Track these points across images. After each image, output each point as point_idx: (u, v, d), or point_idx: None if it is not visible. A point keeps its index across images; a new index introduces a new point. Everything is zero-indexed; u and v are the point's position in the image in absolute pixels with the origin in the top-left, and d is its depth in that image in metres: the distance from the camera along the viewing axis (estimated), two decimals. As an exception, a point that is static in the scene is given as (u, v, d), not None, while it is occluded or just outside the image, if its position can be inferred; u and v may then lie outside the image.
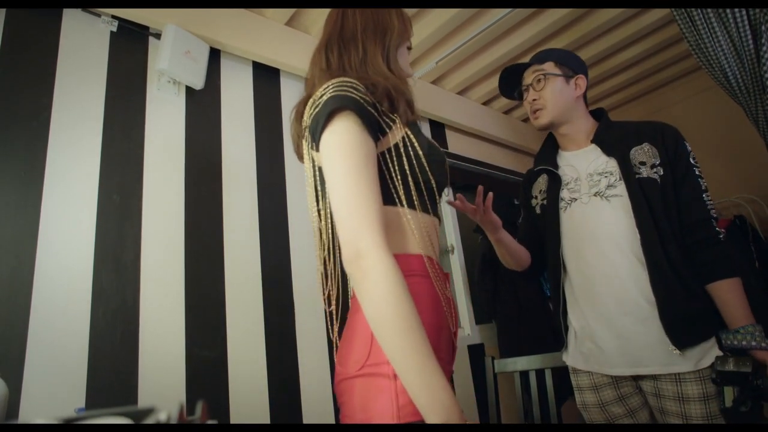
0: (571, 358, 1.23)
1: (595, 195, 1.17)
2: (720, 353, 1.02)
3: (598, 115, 1.30)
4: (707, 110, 2.74)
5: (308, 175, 0.82)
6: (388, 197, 0.75)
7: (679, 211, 1.10)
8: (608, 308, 1.11)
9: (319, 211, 0.81)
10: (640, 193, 1.10)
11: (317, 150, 0.74)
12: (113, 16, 1.47)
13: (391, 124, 0.77)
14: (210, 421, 0.37)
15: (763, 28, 1.30)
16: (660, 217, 1.08)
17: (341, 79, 0.74)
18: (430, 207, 0.80)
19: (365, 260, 0.62)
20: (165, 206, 1.43)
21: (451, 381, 0.78)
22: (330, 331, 0.81)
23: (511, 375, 2.11)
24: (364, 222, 0.64)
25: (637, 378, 1.13)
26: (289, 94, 1.88)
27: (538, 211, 1.32)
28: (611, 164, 1.16)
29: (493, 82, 2.49)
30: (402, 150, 0.76)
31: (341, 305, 0.83)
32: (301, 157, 0.88)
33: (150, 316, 1.30)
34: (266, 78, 1.84)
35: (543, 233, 1.30)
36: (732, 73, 1.41)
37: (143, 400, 1.24)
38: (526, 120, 3.02)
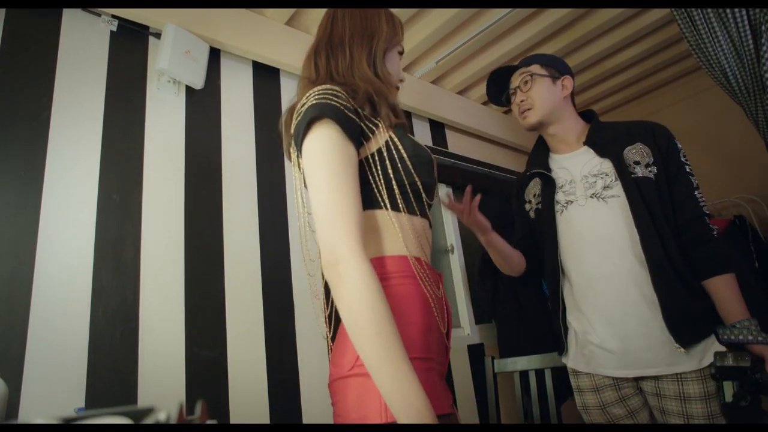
0: (571, 360, 1.22)
1: (591, 196, 1.17)
2: (719, 349, 1.02)
3: (587, 117, 1.31)
4: (708, 110, 2.74)
5: (296, 183, 0.84)
6: (373, 201, 0.76)
7: (673, 210, 1.11)
8: (610, 309, 1.11)
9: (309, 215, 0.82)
10: (637, 193, 1.10)
11: (301, 158, 0.76)
12: (113, 16, 1.47)
13: (374, 128, 0.78)
14: (210, 421, 0.37)
15: (763, 28, 1.30)
16: (657, 216, 1.09)
17: (323, 87, 0.75)
18: (417, 208, 0.80)
19: (342, 266, 0.64)
20: (165, 206, 1.43)
21: (450, 381, 0.78)
22: (326, 334, 0.81)
23: (511, 375, 2.11)
24: (341, 229, 0.66)
25: (638, 378, 1.12)
26: (289, 93, 1.88)
27: (532, 215, 1.31)
28: (606, 165, 1.17)
29: (493, 82, 2.48)
30: (386, 153, 0.77)
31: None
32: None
33: (150, 315, 1.30)
34: (266, 78, 1.84)
35: (539, 237, 1.30)
36: (732, 73, 1.41)
37: (143, 400, 1.24)
38: (526, 120, 3.02)
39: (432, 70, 2.29)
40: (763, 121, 1.43)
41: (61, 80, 1.33)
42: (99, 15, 1.45)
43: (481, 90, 2.60)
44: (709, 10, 1.37)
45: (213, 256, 1.48)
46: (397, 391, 0.60)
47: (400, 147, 0.78)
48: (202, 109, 1.61)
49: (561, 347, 1.26)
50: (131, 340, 1.26)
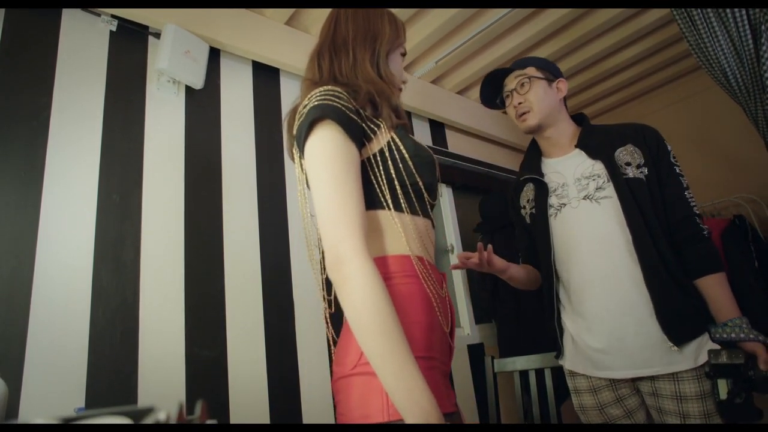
0: (569, 361, 1.23)
1: (584, 198, 1.18)
2: (713, 347, 1.03)
3: (578, 120, 1.31)
4: (707, 109, 2.74)
5: (299, 184, 0.84)
6: (375, 201, 0.77)
7: (665, 210, 1.12)
8: (605, 310, 1.11)
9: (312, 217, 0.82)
10: (629, 194, 1.11)
11: (303, 159, 0.77)
12: (113, 16, 1.47)
13: (376, 129, 0.79)
14: (210, 421, 0.37)
15: (762, 28, 1.30)
16: (649, 216, 1.10)
17: (325, 88, 0.76)
18: (420, 208, 0.81)
19: (346, 266, 0.64)
20: (165, 206, 1.43)
21: (450, 380, 0.78)
22: (329, 333, 0.81)
23: (511, 374, 2.11)
24: (345, 229, 0.66)
25: (634, 379, 1.13)
26: (289, 93, 1.88)
27: (528, 220, 1.32)
28: (598, 167, 1.17)
29: (493, 82, 2.48)
30: (387, 154, 0.78)
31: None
32: None
33: (150, 315, 1.30)
34: (266, 77, 1.84)
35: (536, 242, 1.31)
36: (732, 73, 1.41)
37: (143, 400, 1.24)
38: (525, 120, 3.02)
39: (432, 70, 2.29)
40: (762, 121, 1.43)
41: (60, 80, 1.33)
42: (99, 15, 1.45)
43: (481, 90, 2.60)
44: (709, 10, 1.37)
45: (213, 256, 1.48)
46: (403, 389, 0.60)
47: (402, 147, 0.79)
48: (202, 109, 1.61)
49: (557, 349, 1.27)
50: (131, 340, 1.26)
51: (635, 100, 3.04)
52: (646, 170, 1.14)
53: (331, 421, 1.55)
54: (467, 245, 2.47)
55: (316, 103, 0.74)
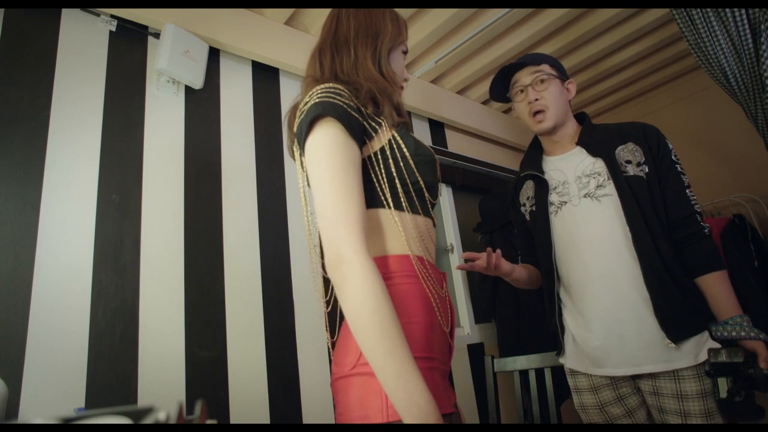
0: (569, 360, 1.23)
1: (585, 196, 1.18)
2: (713, 345, 1.03)
3: (580, 119, 1.31)
4: (707, 109, 2.74)
5: (300, 182, 0.84)
6: (375, 200, 0.76)
7: (665, 208, 1.12)
8: (605, 308, 1.11)
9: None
10: (629, 191, 1.11)
11: (304, 156, 0.76)
12: (112, 16, 1.47)
13: (377, 127, 0.78)
14: (210, 421, 0.37)
15: (762, 27, 1.30)
16: (649, 214, 1.10)
17: (326, 85, 0.75)
18: (420, 208, 0.80)
19: (346, 266, 0.64)
20: (164, 206, 1.43)
21: (450, 380, 0.78)
22: (327, 334, 0.81)
23: (511, 374, 2.11)
24: (345, 228, 0.66)
25: (635, 377, 1.13)
26: (289, 93, 1.88)
27: (528, 218, 1.32)
28: (598, 165, 1.17)
29: (493, 82, 2.48)
30: (388, 152, 0.77)
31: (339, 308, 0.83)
32: None
33: (150, 315, 1.30)
34: (266, 77, 1.84)
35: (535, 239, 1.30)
36: (731, 73, 1.41)
37: (143, 400, 1.24)
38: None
39: (431, 70, 2.29)
40: (762, 121, 1.43)
41: (60, 80, 1.33)
42: (98, 15, 1.45)
43: (481, 89, 2.60)
44: (709, 9, 1.36)
45: (213, 256, 1.48)
46: (402, 389, 0.60)
47: (403, 146, 0.78)
48: (202, 108, 1.61)
49: (558, 347, 1.26)
50: (131, 340, 1.26)
51: (635, 99, 3.04)
52: (646, 168, 1.14)
53: (332, 421, 1.55)
54: (467, 245, 2.47)
55: (317, 100, 0.73)
